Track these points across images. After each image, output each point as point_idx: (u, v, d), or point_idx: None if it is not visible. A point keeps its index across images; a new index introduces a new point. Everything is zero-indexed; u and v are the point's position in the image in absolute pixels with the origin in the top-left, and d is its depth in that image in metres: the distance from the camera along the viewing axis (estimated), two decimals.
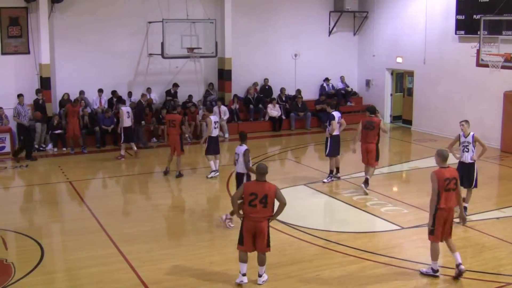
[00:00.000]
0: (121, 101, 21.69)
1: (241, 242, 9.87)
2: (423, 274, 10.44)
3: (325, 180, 16.77)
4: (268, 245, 9.89)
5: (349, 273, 10.59)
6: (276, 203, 9.83)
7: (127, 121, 19.95)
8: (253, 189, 9.69)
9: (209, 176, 17.28)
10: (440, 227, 10.18)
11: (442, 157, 10.24)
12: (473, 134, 13.40)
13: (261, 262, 9.97)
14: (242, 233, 9.85)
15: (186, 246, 12.04)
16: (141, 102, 22.24)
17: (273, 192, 9.65)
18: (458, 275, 10.29)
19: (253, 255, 10.01)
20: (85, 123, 21.54)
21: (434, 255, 10.30)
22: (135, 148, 20.16)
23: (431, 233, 10.27)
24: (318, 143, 22.72)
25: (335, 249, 11.72)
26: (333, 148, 16.68)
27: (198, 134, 22.86)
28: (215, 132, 17.16)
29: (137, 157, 19.92)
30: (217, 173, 17.41)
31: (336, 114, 16.78)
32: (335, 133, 16.61)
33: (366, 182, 15.65)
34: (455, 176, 10.22)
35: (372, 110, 16.16)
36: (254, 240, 9.78)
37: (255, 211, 9.61)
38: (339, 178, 17.00)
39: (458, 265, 10.31)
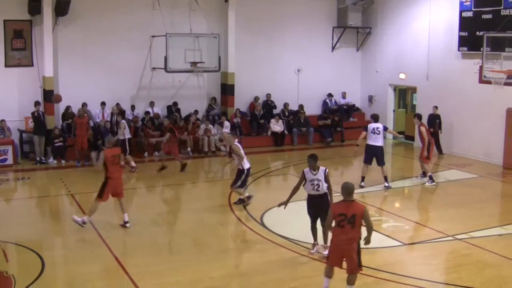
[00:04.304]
0: (122, 114, 21.65)
1: (328, 258, 9.82)
2: None
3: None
4: (360, 265, 9.64)
5: None
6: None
7: (128, 133, 20.28)
8: (342, 210, 9.39)
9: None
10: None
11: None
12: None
13: (351, 281, 9.69)
14: (330, 252, 9.74)
15: (187, 261, 11.97)
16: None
17: (361, 212, 9.39)
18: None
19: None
20: (88, 137, 21.44)
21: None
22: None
23: None
24: (320, 159, 22.53)
25: None
26: (365, 155, 17.94)
27: (200, 148, 22.87)
28: None
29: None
30: None
31: (371, 125, 17.74)
32: (367, 142, 17.71)
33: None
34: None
35: (419, 117, 19.07)
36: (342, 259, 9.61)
37: (344, 232, 9.35)
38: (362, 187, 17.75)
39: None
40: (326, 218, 10.09)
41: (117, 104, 22.08)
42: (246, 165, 15.23)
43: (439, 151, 22.73)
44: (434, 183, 18.23)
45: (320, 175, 11.89)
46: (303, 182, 12.00)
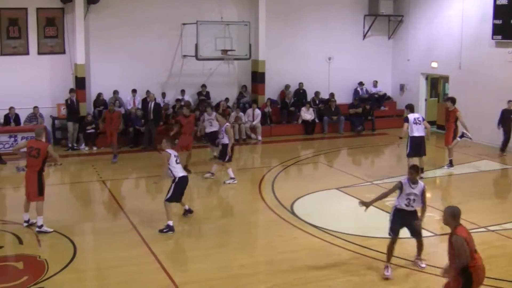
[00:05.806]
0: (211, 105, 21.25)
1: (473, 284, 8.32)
2: None
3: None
4: None
5: (380, 279, 10.48)
6: None
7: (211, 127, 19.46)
8: (469, 235, 8.41)
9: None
10: None
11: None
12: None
13: None
14: (478, 279, 8.34)
15: (218, 248, 12.03)
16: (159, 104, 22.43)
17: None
18: None
19: None
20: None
21: None
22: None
23: None
24: (351, 147, 22.65)
25: (366, 254, 11.62)
26: (410, 148, 17.17)
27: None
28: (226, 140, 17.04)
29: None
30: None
31: (411, 116, 17.13)
32: (412, 134, 17.01)
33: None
34: None
35: (454, 100, 18.93)
36: None
37: (479, 257, 8.45)
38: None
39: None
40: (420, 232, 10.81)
41: (147, 92, 22.09)
42: (179, 173, 13.09)
43: (502, 150, 20.95)
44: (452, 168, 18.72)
45: (419, 190, 11.03)
46: (398, 194, 11.05)
